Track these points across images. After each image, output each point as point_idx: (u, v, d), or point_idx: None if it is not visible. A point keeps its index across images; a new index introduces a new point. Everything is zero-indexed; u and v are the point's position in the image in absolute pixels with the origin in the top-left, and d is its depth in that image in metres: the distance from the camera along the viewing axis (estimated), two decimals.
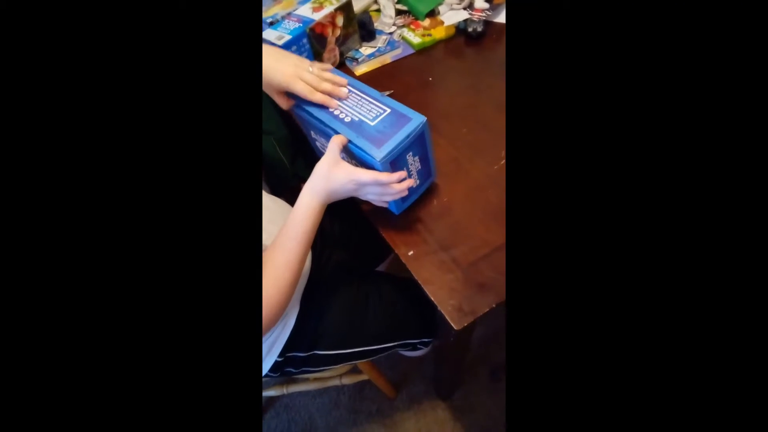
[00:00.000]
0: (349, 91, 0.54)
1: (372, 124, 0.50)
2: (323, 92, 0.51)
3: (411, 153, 0.50)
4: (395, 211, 0.56)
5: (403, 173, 0.48)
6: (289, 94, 0.54)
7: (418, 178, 0.55)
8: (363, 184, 0.47)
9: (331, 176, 0.48)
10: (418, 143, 0.50)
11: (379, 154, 0.47)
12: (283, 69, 0.51)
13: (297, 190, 0.51)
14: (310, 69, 0.52)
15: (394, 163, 0.48)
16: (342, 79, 0.53)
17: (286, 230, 0.49)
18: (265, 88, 0.53)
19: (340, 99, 0.52)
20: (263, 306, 0.45)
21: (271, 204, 0.67)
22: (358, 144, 0.48)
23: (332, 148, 0.48)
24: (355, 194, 0.50)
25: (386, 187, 0.48)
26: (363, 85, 0.55)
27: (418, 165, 0.53)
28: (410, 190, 0.54)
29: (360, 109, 0.52)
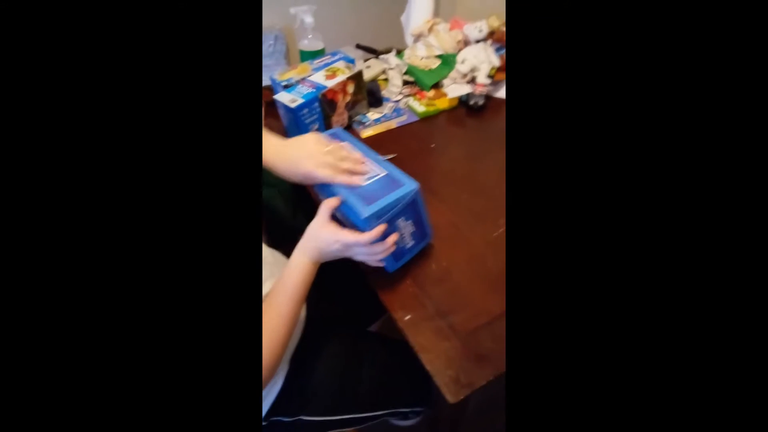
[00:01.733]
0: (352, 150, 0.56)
1: (365, 184, 0.52)
2: (344, 171, 0.52)
3: (403, 218, 0.52)
4: (389, 269, 0.57)
5: (383, 227, 0.49)
6: None
7: (413, 240, 0.56)
8: (348, 245, 0.49)
9: (318, 236, 0.50)
10: (409, 209, 0.52)
11: (365, 211, 0.48)
12: (303, 161, 0.53)
13: (294, 243, 0.52)
14: (327, 149, 0.53)
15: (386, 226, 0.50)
16: (359, 154, 0.54)
17: (277, 287, 0.50)
18: (286, 176, 0.55)
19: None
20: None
21: (269, 257, 0.67)
22: (349, 202, 0.50)
23: (322, 210, 0.51)
24: (344, 254, 0.52)
25: (372, 247, 0.49)
26: (366, 147, 0.58)
27: (411, 228, 0.54)
28: (404, 249, 0.55)
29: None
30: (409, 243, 0.55)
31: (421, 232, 0.56)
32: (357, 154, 0.55)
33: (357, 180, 0.51)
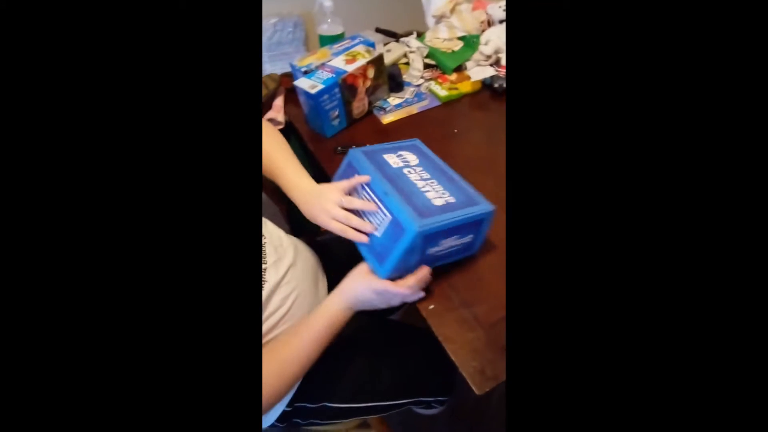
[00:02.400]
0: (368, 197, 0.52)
1: (378, 235, 0.50)
2: (354, 227, 0.51)
3: (429, 247, 0.48)
4: (470, 254, 0.57)
5: (411, 279, 0.49)
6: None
7: (469, 235, 0.53)
8: (380, 293, 0.49)
9: (355, 282, 0.51)
10: (429, 240, 0.47)
11: (381, 272, 0.49)
12: (317, 212, 0.53)
13: (315, 233, 0.51)
14: (341, 201, 0.52)
15: (422, 263, 0.50)
16: (371, 204, 0.51)
17: (308, 322, 0.51)
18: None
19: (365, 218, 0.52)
20: (263, 392, 0.45)
21: (290, 247, 0.67)
22: (367, 259, 0.51)
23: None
24: (382, 302, 0.51)
25: (409, 293, 0.49)
26: (378, 173, 0.53)
27: (455, 239, 0.51)
28: (466, 245, 0.54)
29: (370, 217, 0.51)
30: (467, 239, 0.53)
31: (469, 226, 0.51)
32: (366, 203, 0.51)
33: (364, 238, 0.50)
